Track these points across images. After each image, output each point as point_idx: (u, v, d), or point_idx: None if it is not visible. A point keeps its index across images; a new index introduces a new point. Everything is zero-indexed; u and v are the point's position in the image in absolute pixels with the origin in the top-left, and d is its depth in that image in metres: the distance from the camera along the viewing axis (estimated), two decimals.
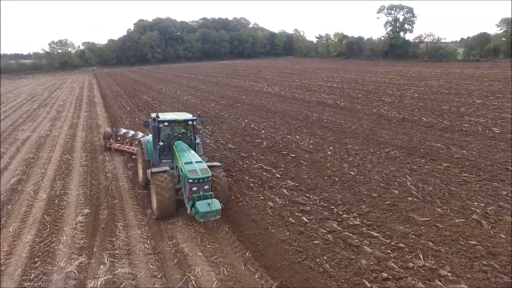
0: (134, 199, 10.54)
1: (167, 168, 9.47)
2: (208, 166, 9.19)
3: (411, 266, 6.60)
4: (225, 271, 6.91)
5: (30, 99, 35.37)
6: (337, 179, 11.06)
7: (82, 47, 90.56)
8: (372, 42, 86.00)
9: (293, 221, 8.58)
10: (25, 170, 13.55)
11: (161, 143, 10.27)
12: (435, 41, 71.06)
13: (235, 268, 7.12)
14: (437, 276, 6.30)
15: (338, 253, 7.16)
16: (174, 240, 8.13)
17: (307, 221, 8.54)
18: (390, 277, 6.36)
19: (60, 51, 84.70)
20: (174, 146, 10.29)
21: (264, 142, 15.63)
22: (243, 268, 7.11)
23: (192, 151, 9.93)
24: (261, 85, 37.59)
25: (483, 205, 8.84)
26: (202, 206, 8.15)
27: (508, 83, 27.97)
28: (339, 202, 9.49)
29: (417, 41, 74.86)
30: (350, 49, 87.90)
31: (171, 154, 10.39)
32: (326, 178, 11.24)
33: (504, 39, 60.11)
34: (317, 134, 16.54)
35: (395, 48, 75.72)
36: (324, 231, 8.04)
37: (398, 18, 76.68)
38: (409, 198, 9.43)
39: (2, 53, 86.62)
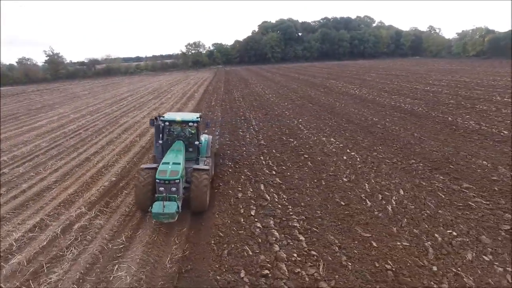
0: None
1: (155, 165, 9.35)
2: (195, 169, 9.28)
3: (297, 272, 6.48)
4: (157, 238, 8.12)
5: (152, 92, 43.24)
6: (323, 183, 10.76)
7: (211, 48, 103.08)
8: None
9: (242, 212, 9.11)
10: (104, 146, 17.42)
11: (160, 141, 10.48)
12: None
13: (168, 238, 8.21)
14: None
15: (247, 245, 7.49)
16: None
17: (253, 214, 8.93)
18: (269, 275, 6.44)
19: (193, 51, 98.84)
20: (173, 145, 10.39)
21: (295, 142, 15.81)
22: (172, 239, 8.15)
23: (181, 152, 9.74)
24: (352, 86, 36.06)
25: (455, 234, 7.44)
26: (156, 207, 8.19)
27: None
28: (302, 204, 9.42)
29: None
30: (495, 46, 73.23)
31: None
32: (314, 181, 11.04)
33: None
34: (354, 139, 15.65)
35: None
36: (258, 225, 8.36)
37: None
38: (375, 212, 8.64)
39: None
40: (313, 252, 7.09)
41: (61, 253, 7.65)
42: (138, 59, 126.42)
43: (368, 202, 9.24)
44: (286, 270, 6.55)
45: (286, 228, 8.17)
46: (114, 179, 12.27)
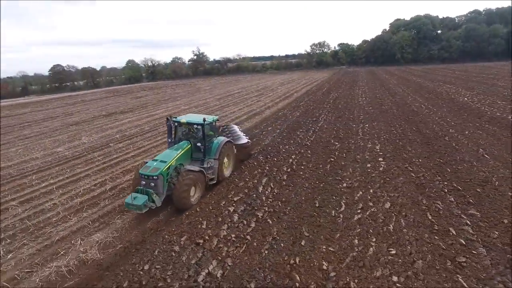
0: None
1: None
2: (187, 170, 10.14)
3: (220, 247, 7.71)
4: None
5: (258, 90, 46.92)
6: (321, 185, 11.14)
7: (337, 48, 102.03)
8: None
9: (229, 196, 10.59)
10: None
11: (169, 140, 11.74)
12: None
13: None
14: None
15: (206, 220, 9.05)
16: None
17: (235, 199, 10.30)
18: (201, 244, 7.91)
19: (318, 51, 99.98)
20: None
21: (337, 145, 15.91)
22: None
23: (177, 152, 10.45)
24: (467, 93, 31.03)
25: (393, 253, 7.17)
26: (129, 197, 9.09)
27: None
28: (283, 199, 10.21)
29: None
30: None
31: None
32: (316, 182, 11.47)
33: None
34: (402, 147, 14.66)
35: None
36: (230, 208, 9.73)
37: None
38: (338, 220, 8.79)
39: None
40: (248, 237, 8.12)
41: None
42: (271, 58, 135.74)
43: (340, 209, 9.39)
44: (214, 244, 7.87)
45: (249, 216, 9.28)
46: None
